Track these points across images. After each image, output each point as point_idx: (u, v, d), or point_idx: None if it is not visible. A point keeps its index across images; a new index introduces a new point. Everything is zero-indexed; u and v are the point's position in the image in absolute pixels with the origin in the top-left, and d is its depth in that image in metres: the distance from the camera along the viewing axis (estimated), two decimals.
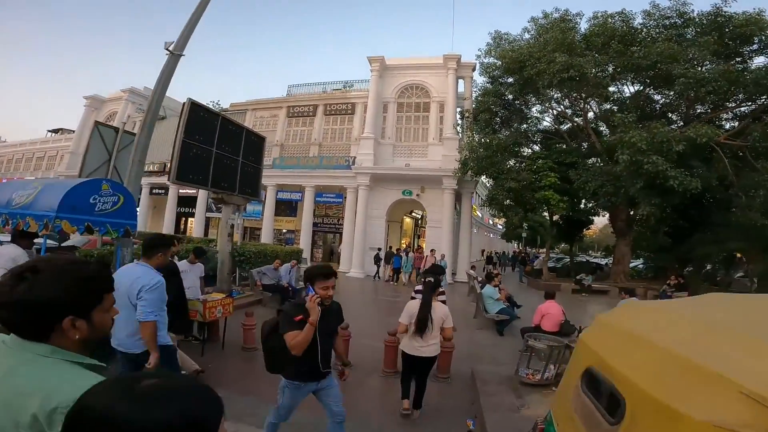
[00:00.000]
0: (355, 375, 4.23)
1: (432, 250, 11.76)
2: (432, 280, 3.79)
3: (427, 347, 3.58)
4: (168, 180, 7.07)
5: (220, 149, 8.37)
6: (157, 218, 23.77)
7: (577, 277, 14.64)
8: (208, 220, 24.17)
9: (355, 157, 17.85)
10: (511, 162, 16.03)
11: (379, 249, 16.85)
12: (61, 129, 33.22)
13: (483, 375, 4.78)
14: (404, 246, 23.44)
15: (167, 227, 22.09)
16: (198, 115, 7.71)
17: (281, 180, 19.20)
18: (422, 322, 3.52)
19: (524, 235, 37.57)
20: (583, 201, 16.08)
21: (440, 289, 3.98)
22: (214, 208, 21.57)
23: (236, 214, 8.87)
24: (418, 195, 17.43)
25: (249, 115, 21.36)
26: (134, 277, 2.70)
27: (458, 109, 18.13)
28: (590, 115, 16.38)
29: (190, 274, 5.46)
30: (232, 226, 8.56)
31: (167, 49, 5.64)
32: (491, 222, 45.28)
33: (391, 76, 18.57)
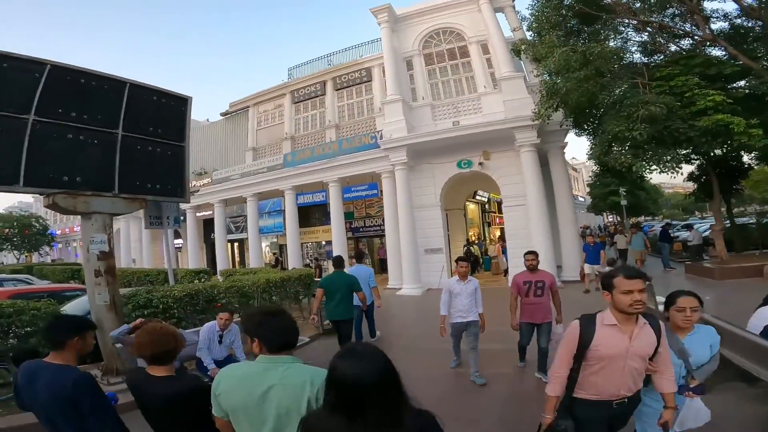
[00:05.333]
0: None
1: (532, 255, 4.63)
2: None
3: None
4: None
5: (51, 117, 4.18)
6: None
7: None
8: (241, 244, 20.92)
9: (381, 131, 12.94)
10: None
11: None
12: None
13: None
14: (473, 239, 18.03)
15: (221, 261, 17.55)
16: None
17: (298, 180, 14.94)
18: None
19: (624, 203, 29.16)
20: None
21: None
22: (233, 229, 18.12)
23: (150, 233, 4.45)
24: (481, 164, 11.95)
25: (251, 111, 17.56)
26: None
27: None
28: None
29: None
30: (103, 256, 4.15)
31: None
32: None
33: (407, 26, 13.87)
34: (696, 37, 10.42)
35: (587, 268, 9.58)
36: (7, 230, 32.79)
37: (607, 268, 7.29)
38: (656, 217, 44.95)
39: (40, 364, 1.82)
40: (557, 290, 4.53)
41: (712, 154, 10.28)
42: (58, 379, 1.72)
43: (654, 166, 8.38)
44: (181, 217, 19.31)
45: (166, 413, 1.70)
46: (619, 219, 36.67)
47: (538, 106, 9.90)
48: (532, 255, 4.61)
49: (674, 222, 31.85)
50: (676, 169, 8.39)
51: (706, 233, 13.62)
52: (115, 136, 4.64)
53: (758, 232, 12.15)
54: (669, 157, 8.06)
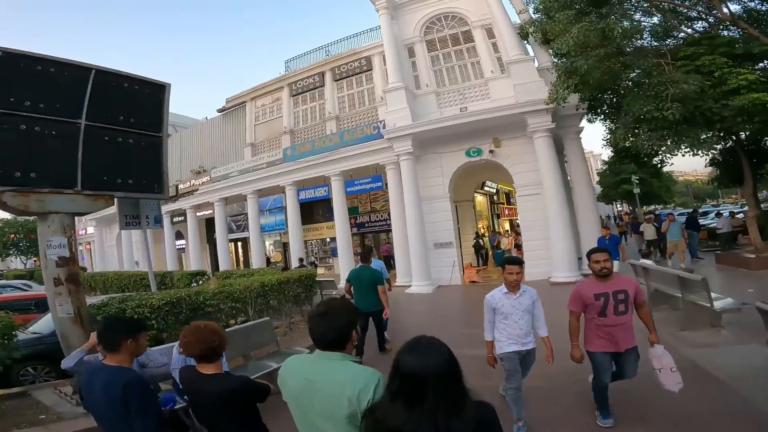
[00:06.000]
0: None
1: (603, 254, 3.09)
2: None
3: None
4: None
5: (1, 107, 3.65)
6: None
7: None
8: (244, 243, 20.44)
9: (384, 121, 12.29)
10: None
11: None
12: None
13: None
14: (483, 231, 17.35)
15: (223, 261, 17.29)
16: None
17: (299, 174, 14.34)
18: None
19: (637, 191, 28.15)
20: None
21: None
22: (235, 228, 17.61)
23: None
24: (491, 152, 11.24)
25: (249, 106, 16.99)
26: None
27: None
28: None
29: None
30: (64, 262, 3.59)
31: None
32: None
33: (407, 12, 13.25)
34: (711, 20, 9.84)
35: None
36: (12, 235, 32.69)
37: (642, 261, 6.58)
38: (668, 206, 43.86)
39: (100, 366, 1.89)
40: (644, 300, 3.13)
41: (742, 135, 9.58)
42: (112, 381, 1.76)
43: (686, 149, 7.64)
44: (182, 218, 19.13)
45: (217, 409, 1.77)
46: (630, 208, 35.68)
47: (555, 87, 9.16)
48: (602, 254, 3.02)
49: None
50: (713, 150, 7.67)
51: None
52: (77, 127, 4.05)
53: None
54: (706, 137, 7.31)
